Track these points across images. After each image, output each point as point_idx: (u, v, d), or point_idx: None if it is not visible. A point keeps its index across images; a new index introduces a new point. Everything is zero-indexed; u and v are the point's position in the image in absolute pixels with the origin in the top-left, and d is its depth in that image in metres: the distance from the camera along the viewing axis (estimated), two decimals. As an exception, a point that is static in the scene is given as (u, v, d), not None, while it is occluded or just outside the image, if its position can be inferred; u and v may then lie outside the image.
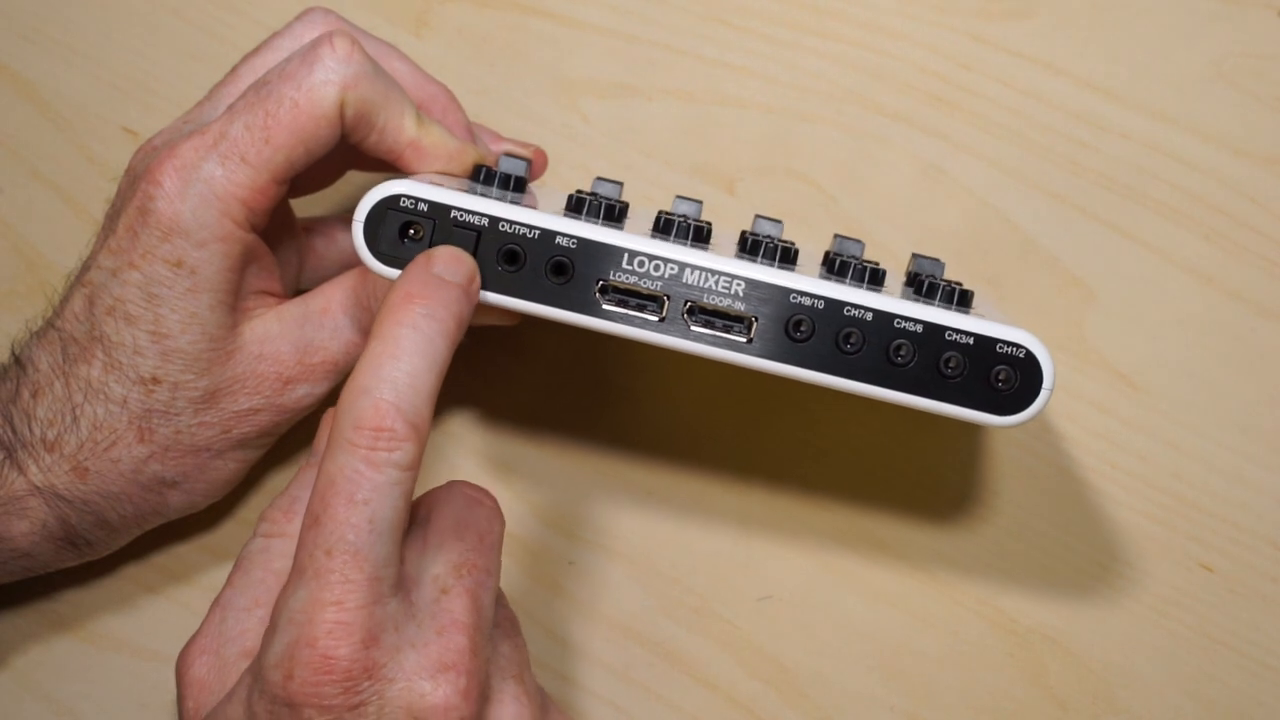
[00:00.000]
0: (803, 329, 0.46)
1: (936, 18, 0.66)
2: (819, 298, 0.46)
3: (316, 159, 0.50)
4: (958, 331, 0.46)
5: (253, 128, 0.49)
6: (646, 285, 0.46)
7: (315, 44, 0.50)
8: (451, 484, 0.48)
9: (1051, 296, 0.61)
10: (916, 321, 0.46)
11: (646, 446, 0.58)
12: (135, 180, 0.51)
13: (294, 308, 0.53)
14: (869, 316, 0.46)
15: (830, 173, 0.60)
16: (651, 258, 0.46)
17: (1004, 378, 0.46)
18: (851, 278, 0.48)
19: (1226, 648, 0.54)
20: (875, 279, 0.48)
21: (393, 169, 0.53)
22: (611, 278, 0.46)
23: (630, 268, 0.46)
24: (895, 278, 0.51)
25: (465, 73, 0.64)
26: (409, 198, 0.46)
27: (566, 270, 0.46)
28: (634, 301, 0.47)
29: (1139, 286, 0.61)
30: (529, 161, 0.51)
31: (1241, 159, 0.62)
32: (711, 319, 0.47)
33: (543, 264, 0.46)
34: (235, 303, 0.51)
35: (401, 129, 0.51)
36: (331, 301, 0.53)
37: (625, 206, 0.49)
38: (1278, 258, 0.60)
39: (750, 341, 0.47)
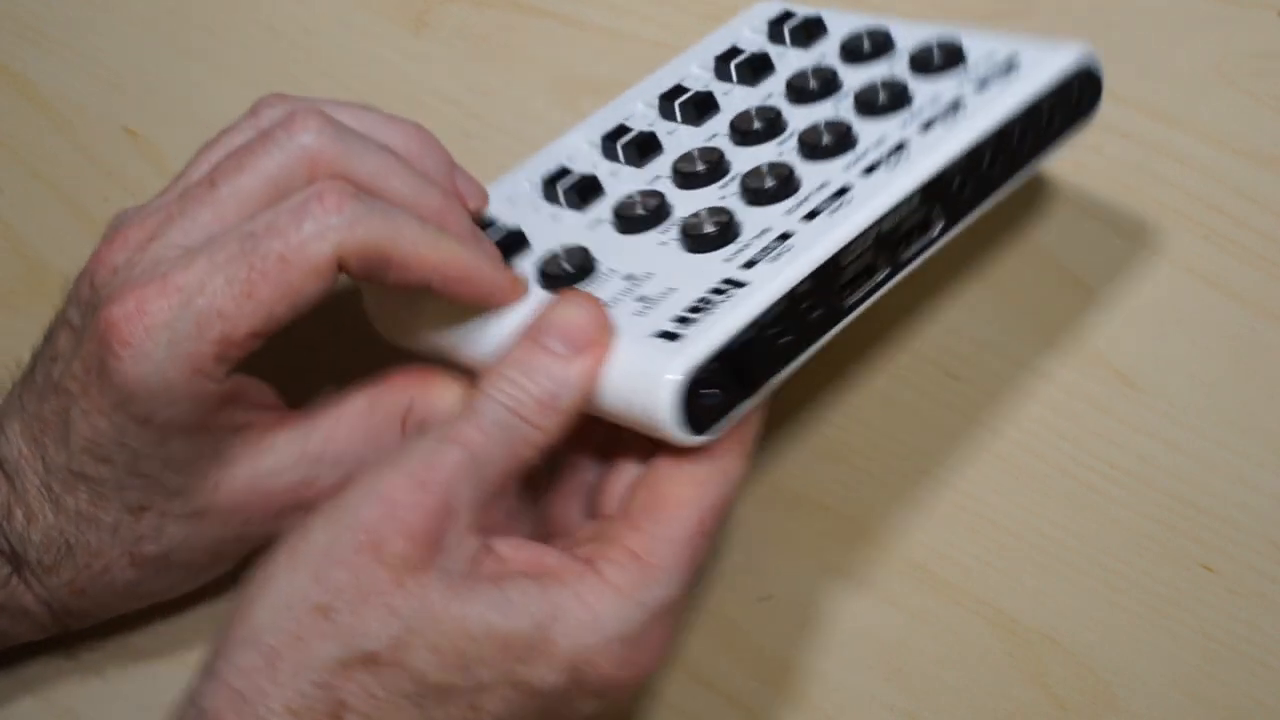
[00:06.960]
0: (965, 186, 0.50)
1: (936, 18, 0.66)
2: (960, 157, 0.50)
3: (302, 314, 0.47)
4: (1042, 95, 0.52)
5: (234, 281, 0.46)
6: (865, 259, 0.49)
7: (305, 199, 0.46)
8: None
9: (1051, 296, 0.60)
10: (1017, 115, 0.51)
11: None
12: (96, 313, 0.47)
13: (291, 439, 0.50)
14: (994, 138, 0.51)
15: (830, 173, 0.60)
16: (859, 239, 0.48)
17: (1080, 96, 0.53)
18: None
19: (1226, 648, 0.54)
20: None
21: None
22: (843, 279, 0.48)
23: (850, 261, 0.48)
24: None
25: (465, 72, 0.65)
26: (699, 368, 0.45)
27: (817, 306, 0.48)
28: (864, 278, 0.49)
29: (1139, 287, 0.61)
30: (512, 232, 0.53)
31: (1241, 159, 0.62)
32: (909, 236, 0.50)
33: (796, 317, 0.47)
34: (219, 439, 0.49)
35: (421, 259, 0.47)
36: (337, 430, 0.51)
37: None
38: (1278, 258, 0.60)
39: (941, 230, 0.50)
